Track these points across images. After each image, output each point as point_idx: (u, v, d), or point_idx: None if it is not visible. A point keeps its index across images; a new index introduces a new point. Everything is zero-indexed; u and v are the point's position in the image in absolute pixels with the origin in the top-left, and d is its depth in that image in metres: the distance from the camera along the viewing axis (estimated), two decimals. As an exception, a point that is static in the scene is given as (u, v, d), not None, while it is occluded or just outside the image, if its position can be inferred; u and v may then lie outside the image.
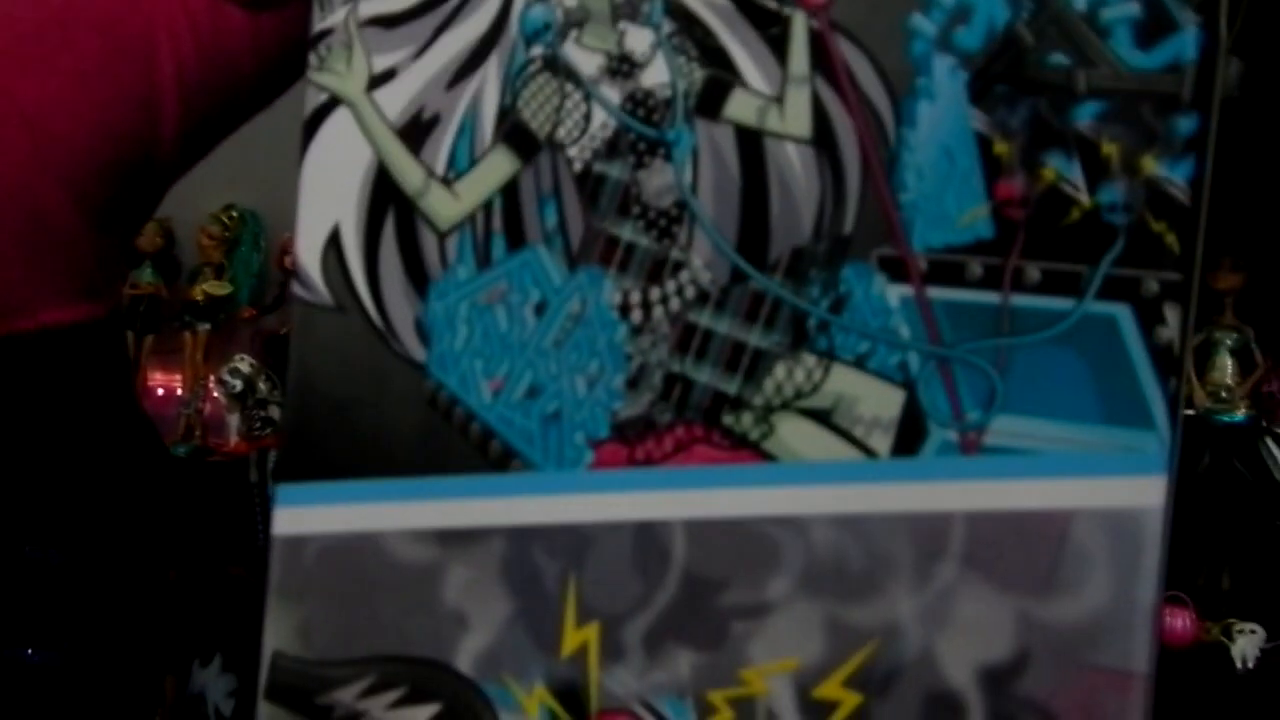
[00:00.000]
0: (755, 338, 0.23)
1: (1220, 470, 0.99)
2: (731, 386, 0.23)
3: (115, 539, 0.42)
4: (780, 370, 0.23)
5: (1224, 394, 1.03)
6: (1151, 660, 0.21)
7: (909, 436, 0.22)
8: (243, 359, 0.74)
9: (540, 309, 0.24)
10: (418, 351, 0.24)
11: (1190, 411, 1.05)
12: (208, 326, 0.82)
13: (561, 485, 0.23)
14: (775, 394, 0.23)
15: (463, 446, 0.23)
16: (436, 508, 0.23)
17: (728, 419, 0.23)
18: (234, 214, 1.29)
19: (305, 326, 0.25)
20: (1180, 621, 0.99)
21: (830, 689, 0.22)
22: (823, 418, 0.22)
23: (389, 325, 0.24)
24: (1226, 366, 1.04)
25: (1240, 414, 1.03)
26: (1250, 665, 0.94)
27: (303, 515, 0.24)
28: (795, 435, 0.22)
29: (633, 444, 0.23)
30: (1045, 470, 0.21)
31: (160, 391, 0.79)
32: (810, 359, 0.23)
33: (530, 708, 0.24)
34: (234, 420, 0.72)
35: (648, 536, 0.23)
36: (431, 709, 0.24)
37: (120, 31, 0.35)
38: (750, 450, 0.23)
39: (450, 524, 0.23)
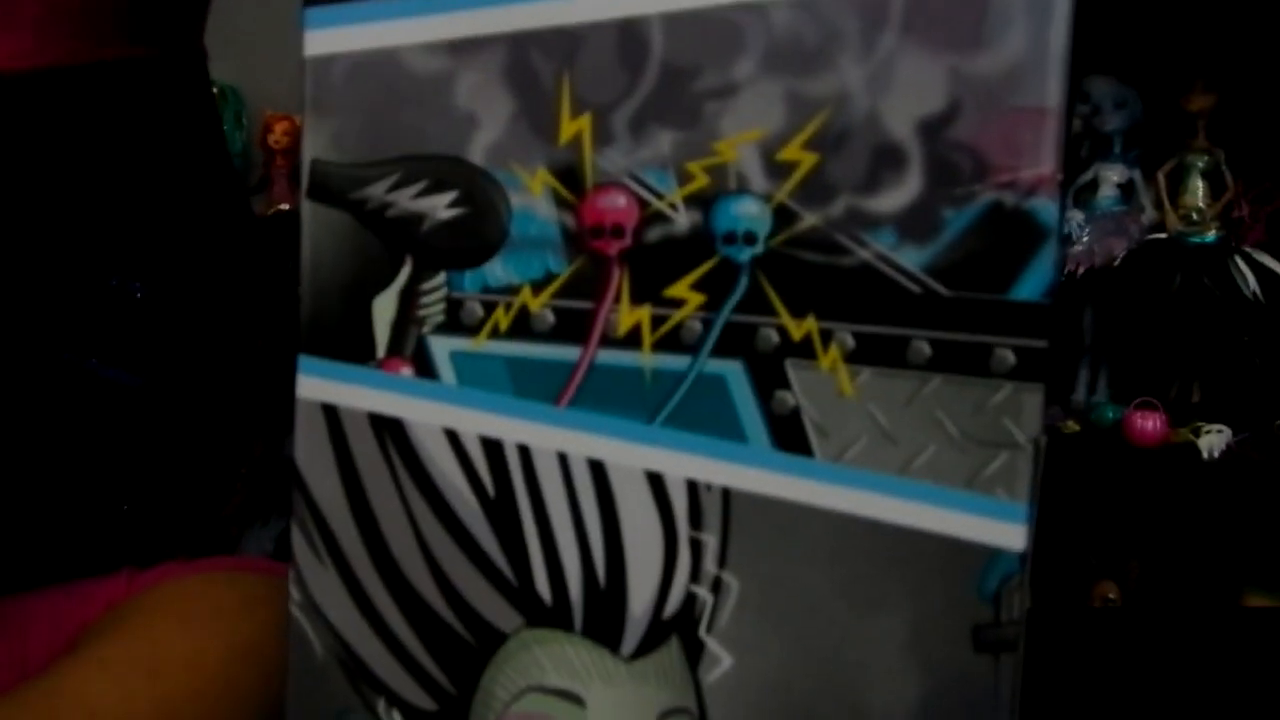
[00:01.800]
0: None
1: (1191, 289, 1.03)
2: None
3: (199, 278, 0.45)
4: None
5: (1195, 216, 1.06)
6: (1063, 97, 0.25)
7: (853, -74, 0.25)
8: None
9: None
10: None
11: (1162, 235, 1.09)
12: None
13: (554, -6, 0.26)
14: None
15: (466, -33, 0.27)
16: (445, 20, 0.27)
17: (696, -74, 0.26)
18: (214, 90, 1.29)
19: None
20: (1151, 423, 1.04)
21: (791, 152, 0.26)
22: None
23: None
24: (1198, 190, 1.07)
25: (1210, 235, 1.07)
26: (1216, 456, 0.98)
27: (330, 37, 0.27)
28: (755, -66, 0.26)
29: (615, -45, 0.26)
30: (970, -54, 0.25)
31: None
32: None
33: (534, 187, 0.27)
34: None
35: (629, 32, 0.26)
36: (450, 195, 0.27)
37: None
38: (716, -46, 0.26)
39: (458, 34, 0.27)
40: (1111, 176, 1.09)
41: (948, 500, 0.27)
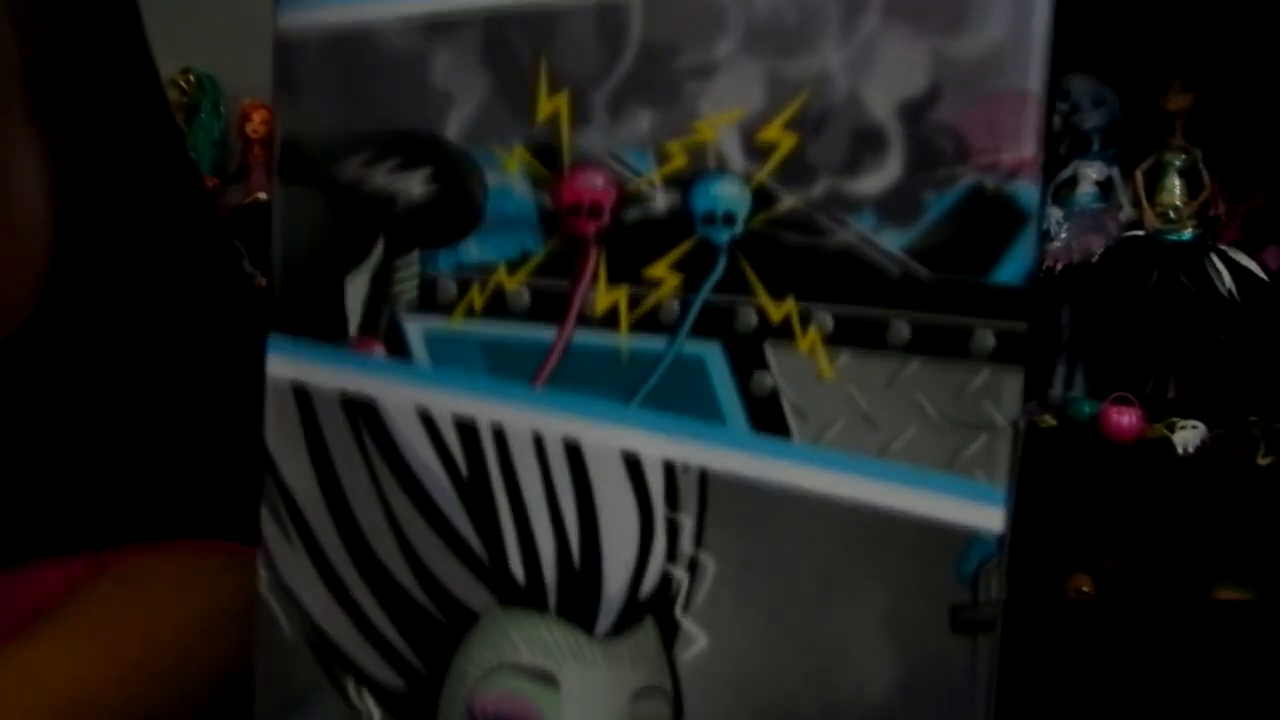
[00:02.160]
0: None
1: (1168, 286, 1.04)
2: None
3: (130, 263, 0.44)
4: None
5: (1172, 214, 1.07)
6: (1044, 81, 0.25)
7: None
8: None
9: None
10: None
11: (1140, 233, 1.09)
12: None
13: (533, -27, 0.26)
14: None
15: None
16: (422, -5, 0.26)
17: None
18: (191, 78, 1.27)
19: None
20: (1127, 418, 1.04)
21: (771, 132, 0.26)
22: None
23: None
24: (1175, 188, 1.07)
25: (1187, 233, 1.07)
26: (1191, 451, 0.99)
27: (303, 14, 0.27)
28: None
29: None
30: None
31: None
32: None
33: (510, 165, 0.27)
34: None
35: (608, 10, 0.26)
36: (425, 172, 0.27)
37: None
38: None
39: (433, 11, 0.26)
40: (1090, 174, 1.10)
41: (926, 482, 0.27)
